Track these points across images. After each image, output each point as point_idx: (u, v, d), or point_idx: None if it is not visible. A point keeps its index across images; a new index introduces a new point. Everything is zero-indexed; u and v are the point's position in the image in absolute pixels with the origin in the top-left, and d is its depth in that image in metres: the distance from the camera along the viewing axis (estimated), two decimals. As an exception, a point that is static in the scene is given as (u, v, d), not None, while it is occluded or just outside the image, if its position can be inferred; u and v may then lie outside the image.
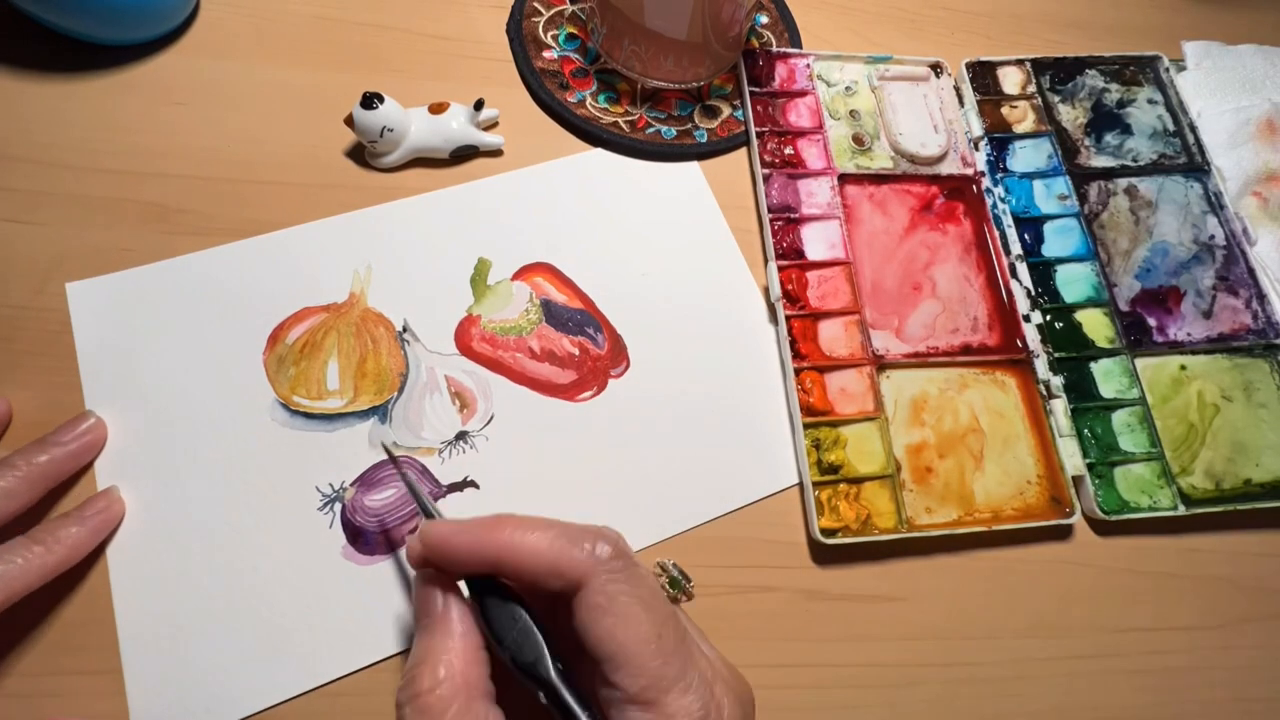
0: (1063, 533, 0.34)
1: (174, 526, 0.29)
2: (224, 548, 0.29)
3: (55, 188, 0.34)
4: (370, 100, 0.34)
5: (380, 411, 0.32)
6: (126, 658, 0.27)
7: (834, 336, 0.35)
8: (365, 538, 0.30)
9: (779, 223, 0.37)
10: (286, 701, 0.27)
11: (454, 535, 0.21)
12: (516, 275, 0.36)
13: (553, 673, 0.20)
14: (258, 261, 0.34)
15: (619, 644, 0.19)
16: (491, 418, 0.33)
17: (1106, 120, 0.43)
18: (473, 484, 0.31)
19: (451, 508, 0.31)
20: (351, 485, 0.31)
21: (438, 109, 0.37)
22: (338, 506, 0.30)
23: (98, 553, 0.28)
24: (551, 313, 0.35)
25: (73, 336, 0.31)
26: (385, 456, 0.31)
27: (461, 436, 0.32)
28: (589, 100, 0.40)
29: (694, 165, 0.39)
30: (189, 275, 0.33)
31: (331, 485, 0.30)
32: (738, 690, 0.21)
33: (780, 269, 0.36)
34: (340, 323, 0.33)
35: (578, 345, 0.34)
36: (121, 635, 0.27)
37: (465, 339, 0.34)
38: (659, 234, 0.37)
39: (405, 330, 0.34)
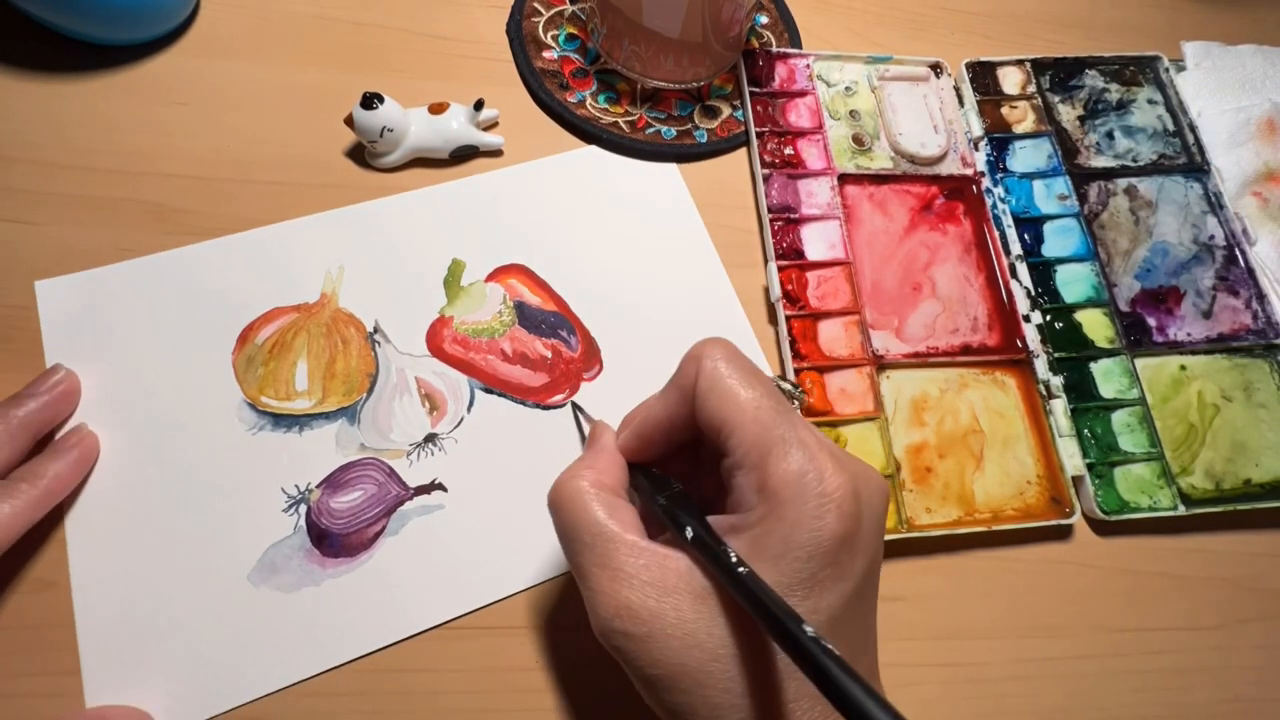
0: (1063, 533, 0.34)
1: (137, 526, 0.29)
2: (187, 548, 0.29)
3: (54, 188, 0.34)
4: (370, 100, 0.34)
5: (349, 413, 0.32)
6: (85, 659, 0.27)
7: (834, 337, 0.35)
8: (330, 540, 0.30)
9: (779, 223, 0.37)
10: (248, 704, 0.27)
11: (619, 447, 0.26)
12: (490, 277, 0.35)
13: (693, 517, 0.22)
14: (229, 260, 0.34)
15: (723, 418, 0.22)
16: (461, 420, 0.32)
17: (1106, 120, 0.43)
18: (440, 487, 0.31)
19: (419, 512, 0.31)
20: (318, 487, 0.30)
21: (438, 109, 0.37)
22: (303, 508, 0.30)
23: (59, 548, 0.28)
24: (525, 315, 0.35)
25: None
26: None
27: (430, 439, 0.32)
28: (589, 100, 0.40)
29: (672, 167, 0.39)
30: (159, 274, 0.33)
31: (297, 487, 0.30)
32: (859, 472, 0.22)
33: (780, 269, 0.36)
34: (310, 323, 0.33)
35: (550, 348, 0.34)
36: (81, 636, 0.27)
37: (437, 340, 0.34)
38: (634, 237, 0.37)
39: (376, 331, 0.33)
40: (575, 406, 0.33)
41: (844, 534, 0.21)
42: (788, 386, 0.33)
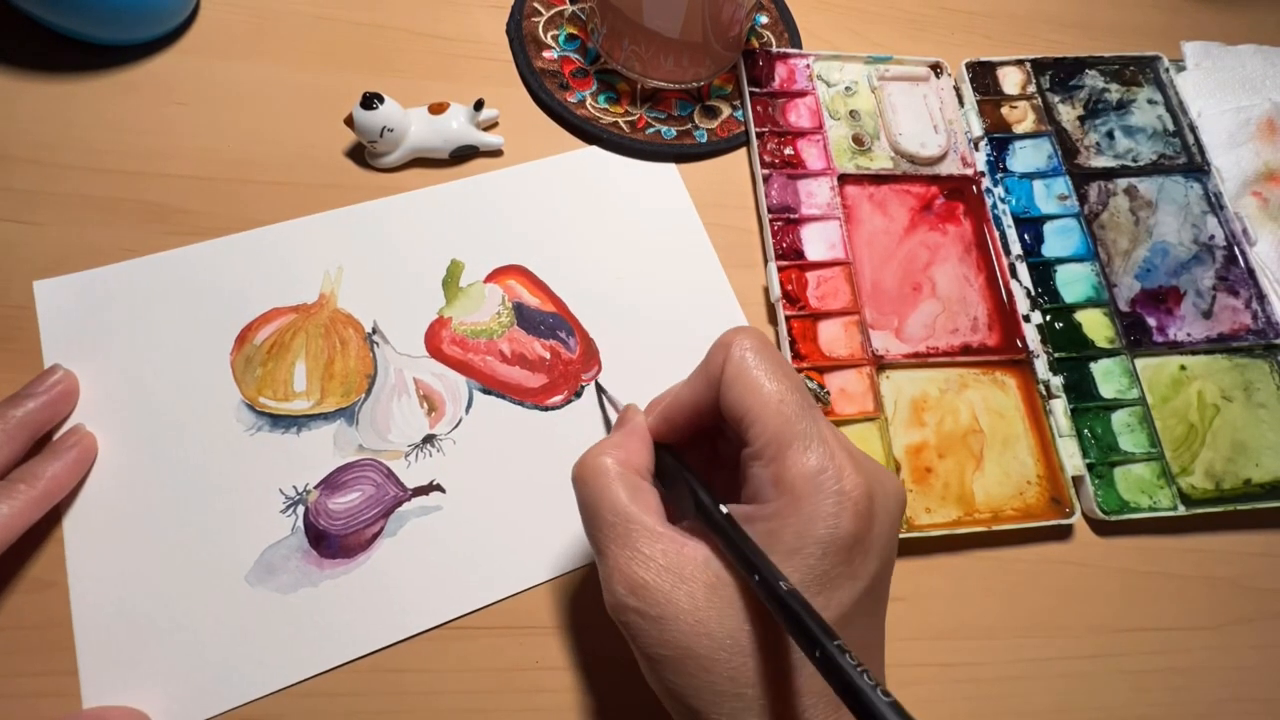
0: (1063, 533, 0.34)
1: (135, 526, 0.29)
2: (185, 549, 0.29)
3: (55, 188, 0.34)
4: (370, 100, 0.34)
5: (347, 414, 0.32)
6: (83, 659, 0.27)
7: (834, 337, 0.35)
8: (328, 541, 0.29)
9: (779, 223, 0.37)
10: (246, 705, 0.27)
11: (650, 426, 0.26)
12: (489, 278, 0.35)
13: (700, 492, 0.23)
14: (228, 260, 0.34)
15: (746, 407, 0.22)
16: (460, 421, 0.32)
17: (1106, 120, 0.43)
18: (439, 488, 0.31)
19: (417, 513, 0.31)
20: (315, 488, 0.30)
21: (438, 109, 0.37)
22: (301, 509, 0.30)
23: (58, 548, 0.28)
24: (523, 316, 0.35)
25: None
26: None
27: (429, 440, 0.32)
28: (589, 100, 0.40)
29: (672, 167, 0.39)
30: (158, 274, 0.33)
31: (295, 488, 0.30)
32: (876, 475, 0.22)
33: (780, 269, 0.36)
34: (309, 324, 0.33)
35: (549, 349, 0.34)
36: (78, 636, 0.27)
37: (435, 341, 0.34)
38: (633, 237, 0.37)
39: (375, 332, 0.33)
40: (599, 388, 0.33)
41: (858, 534, 0.21)
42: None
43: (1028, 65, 0.44)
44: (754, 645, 0.21)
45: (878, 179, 0.39)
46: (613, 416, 0.32)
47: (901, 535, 0.32)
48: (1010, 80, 0.43)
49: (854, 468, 0.21)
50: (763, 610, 0.21)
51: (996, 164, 0.41)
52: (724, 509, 0.22)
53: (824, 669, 0.18)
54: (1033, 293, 0.38)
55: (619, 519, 0.22)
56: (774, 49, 0.42)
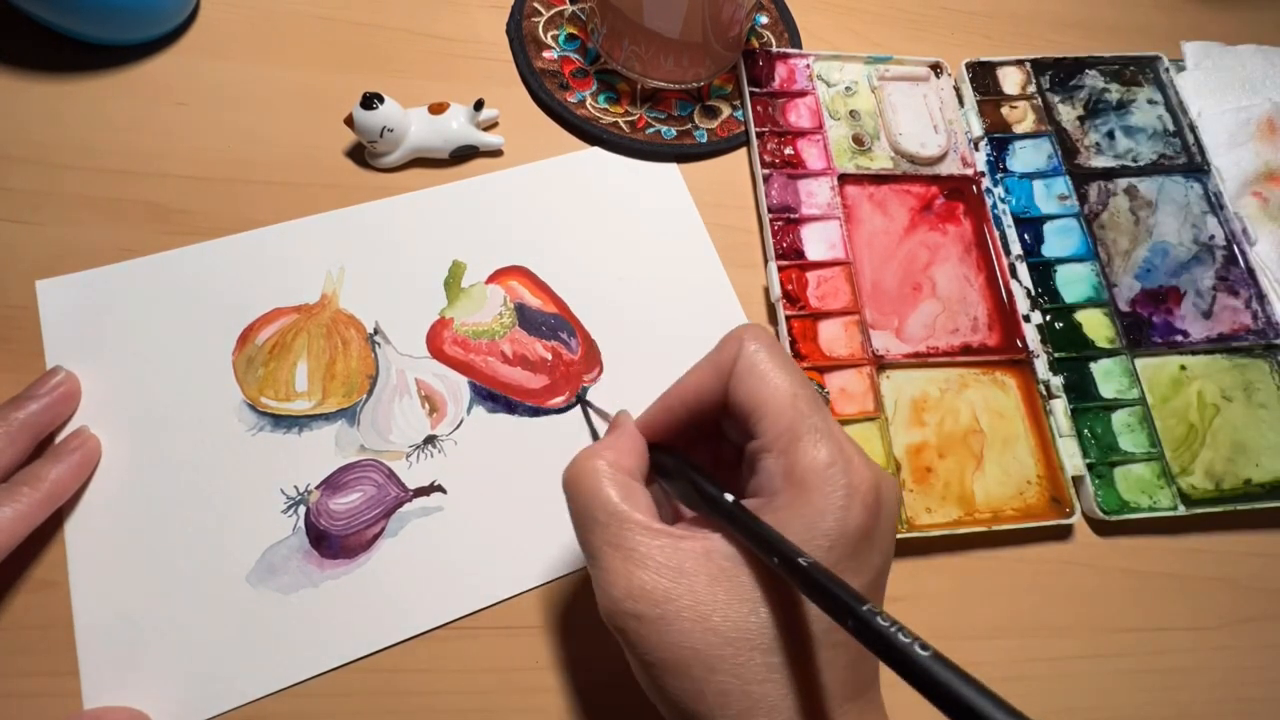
0: (1063, 533, 0.34)
1: (136, 526, 0.29)
2: (186, 549, 0.29)
3: (55, 188, 0.34)
4: (370, 100, 0.34)
5: (348, 414, 0.32)
6: (83, 659, 0.27)
7: (834, 337, 0.35)
8: (329, 541, 0.29)
9: (779, 223, 0.37)
10: (246, 705, 0.27)
11: (641, 424, 0.26)
12: (491, 279, 0.35)
13: (703, 483, 0.23)
14: (229, 261, 0.34)
15: (759, 399, 0.22)
16: (461, 422, 0.32)
17: (1106, 120, 0.43)
18: (440, 489, 0.31)
19: (418, 514, 0.31)
20: (317, 488, 0.30)
21: (437, 109, 0.37)
22: (302, 509, 0.30)
23: (59, 548, 0.28)
24: (525, 317, 0.35)
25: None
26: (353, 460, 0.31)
27: (430, 440, 0.32)
28: (589, 100, 0.40)
29: (672, 167, 0.39)
30: (160, 274, 0.33)
31: (296, 488, 0.30)
32: (881, 472, 0.22)
33: (780, 269, 0.36)
34: (311, 324, 0.33)
35: (550, 350, 0.34)
36: (79, 636, 0.27)
37: (437, 342, 0.34)
38: (634, 238, 0.37)
39: (376, 332, 0.33)
40: (585, 404, 0.33)
41: (865, 527, 0.21)
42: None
43: (1028, 65, 0.44)
44: (762, 638, 0.20)
45: (878, 179, 0.39)
46: (600, 430, 0.32)
47: (901, 535, 0.32)
48: (1010, 80, 0.43)
49: (863, 462, 0.22)
50: (772, 600, 0.20)
51: (996, 164, 0.41)
52: (729, 496, 0.22)
53: (861, 635, 0.17)
54: (1033, 293, 0.38)
55: (612, 519, 0.22)
56: (774, 49, 0.42)
